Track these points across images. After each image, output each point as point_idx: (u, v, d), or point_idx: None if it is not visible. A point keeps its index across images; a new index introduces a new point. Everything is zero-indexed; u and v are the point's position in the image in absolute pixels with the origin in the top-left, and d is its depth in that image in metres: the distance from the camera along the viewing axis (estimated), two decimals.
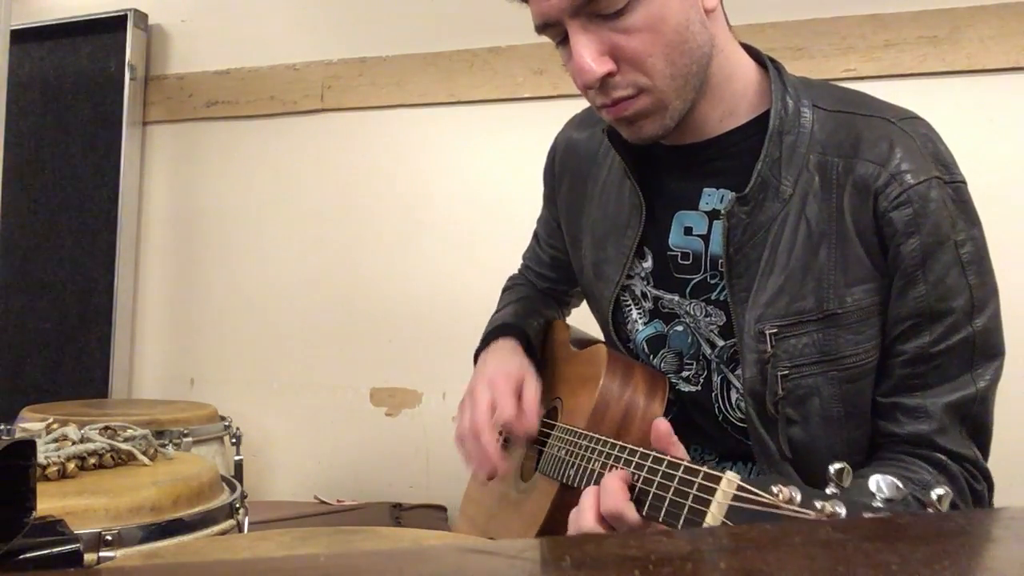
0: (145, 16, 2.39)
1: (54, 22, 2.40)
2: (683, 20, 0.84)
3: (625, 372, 0.98)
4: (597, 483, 0.79)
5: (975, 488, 0.89)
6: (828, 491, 0.57)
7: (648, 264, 1.01)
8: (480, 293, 1.42)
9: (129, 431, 1.16)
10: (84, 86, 2.38)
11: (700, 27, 0.86)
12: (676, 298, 0.99)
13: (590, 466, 0.87)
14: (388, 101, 2.16)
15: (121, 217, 2.31)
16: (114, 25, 2.34)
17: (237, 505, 1.10)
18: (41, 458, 0.98)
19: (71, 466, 1.01)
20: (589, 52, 0.84)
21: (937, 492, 0.53)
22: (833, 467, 0.57)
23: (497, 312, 1.23)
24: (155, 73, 2.40)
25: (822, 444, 0.91)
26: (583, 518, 0.77)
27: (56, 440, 1.07)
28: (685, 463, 0.71)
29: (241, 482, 1.23)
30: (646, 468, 0.75)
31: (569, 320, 1.26)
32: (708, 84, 0.90)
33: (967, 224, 0.87)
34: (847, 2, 1.77)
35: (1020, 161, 1.66)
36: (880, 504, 0.55)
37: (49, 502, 0.88)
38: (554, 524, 0.95)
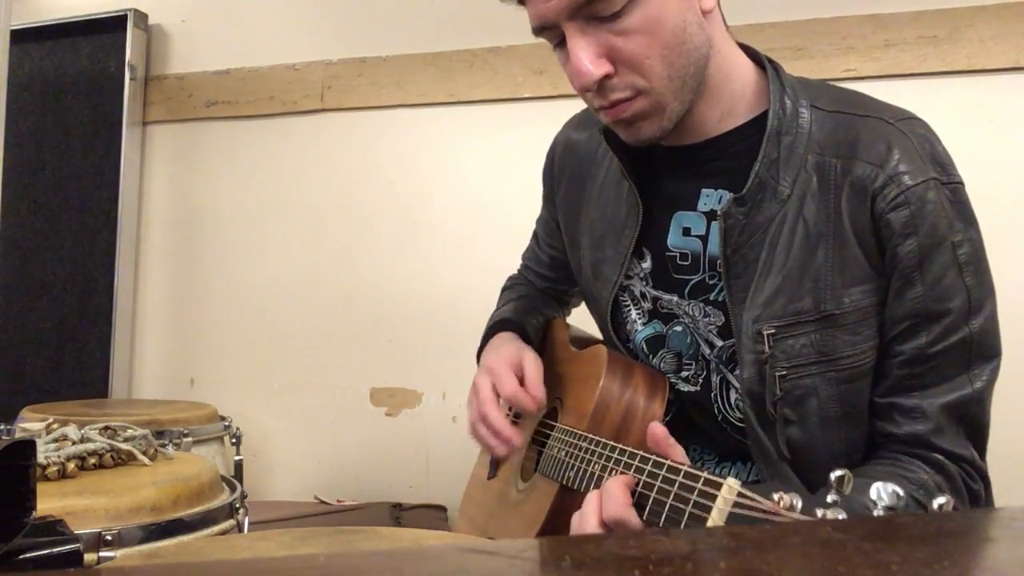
0: (145, 16, 2.38)
1: (54, 22, 2.40)
2: (680, 22, 0.84)
3: (625, 372, 0.98)
4: (598, 487, 0.79)
5: (972, 488, 0.89)
6: (829, 498, 0.57)
7: (647, 264, 1.01)
8: (480, 293, 1.42)
9: (129, 431, 1.16)
10: (84, 86, 2.37)
11: (697, 28, 0.86)
12: (675, 298, 0.99)
13: (590, 469, 0.87)
14: (388, 101, 2.15)
15: (121, 217, 2.31)
16: (114, 25, 2.34)
17: (237, 505, 1.10)
18: (41, 458, 0.98)
19: (71, 466, 1.01)
20: (586, 54, 0.83)
21: (939, 501, 0.53)
22: (834, 474, 0.57)
23: (497, 310, 1.23)
24: (155, 73, 2.40)
25: (820, 444, 0.91)
26: (586, 523, 0.78)
27: (56, 440, 1.07)
28: (685, 467, 0.71)
29: (241, 482, 1.23)
30: (646, 472, 0.76)
31: (569, 320, 1.26)
32: (706, 85, 0.90)
33: (964, 225, 0.87)
34: (847, 2, 1.77)
35: (1020, 161, 1.66)
36: (881, 513, 0.56)
37: (49, 502, 0.87)
38: (554, 525, 0.95)
